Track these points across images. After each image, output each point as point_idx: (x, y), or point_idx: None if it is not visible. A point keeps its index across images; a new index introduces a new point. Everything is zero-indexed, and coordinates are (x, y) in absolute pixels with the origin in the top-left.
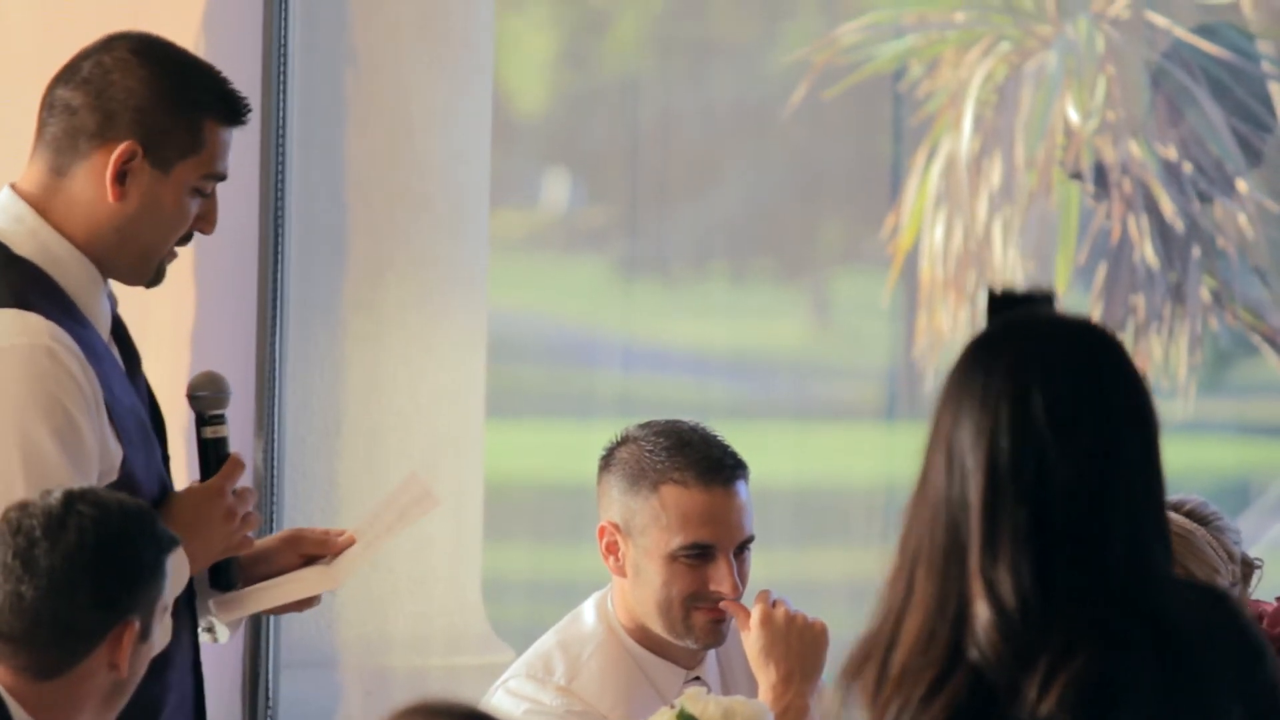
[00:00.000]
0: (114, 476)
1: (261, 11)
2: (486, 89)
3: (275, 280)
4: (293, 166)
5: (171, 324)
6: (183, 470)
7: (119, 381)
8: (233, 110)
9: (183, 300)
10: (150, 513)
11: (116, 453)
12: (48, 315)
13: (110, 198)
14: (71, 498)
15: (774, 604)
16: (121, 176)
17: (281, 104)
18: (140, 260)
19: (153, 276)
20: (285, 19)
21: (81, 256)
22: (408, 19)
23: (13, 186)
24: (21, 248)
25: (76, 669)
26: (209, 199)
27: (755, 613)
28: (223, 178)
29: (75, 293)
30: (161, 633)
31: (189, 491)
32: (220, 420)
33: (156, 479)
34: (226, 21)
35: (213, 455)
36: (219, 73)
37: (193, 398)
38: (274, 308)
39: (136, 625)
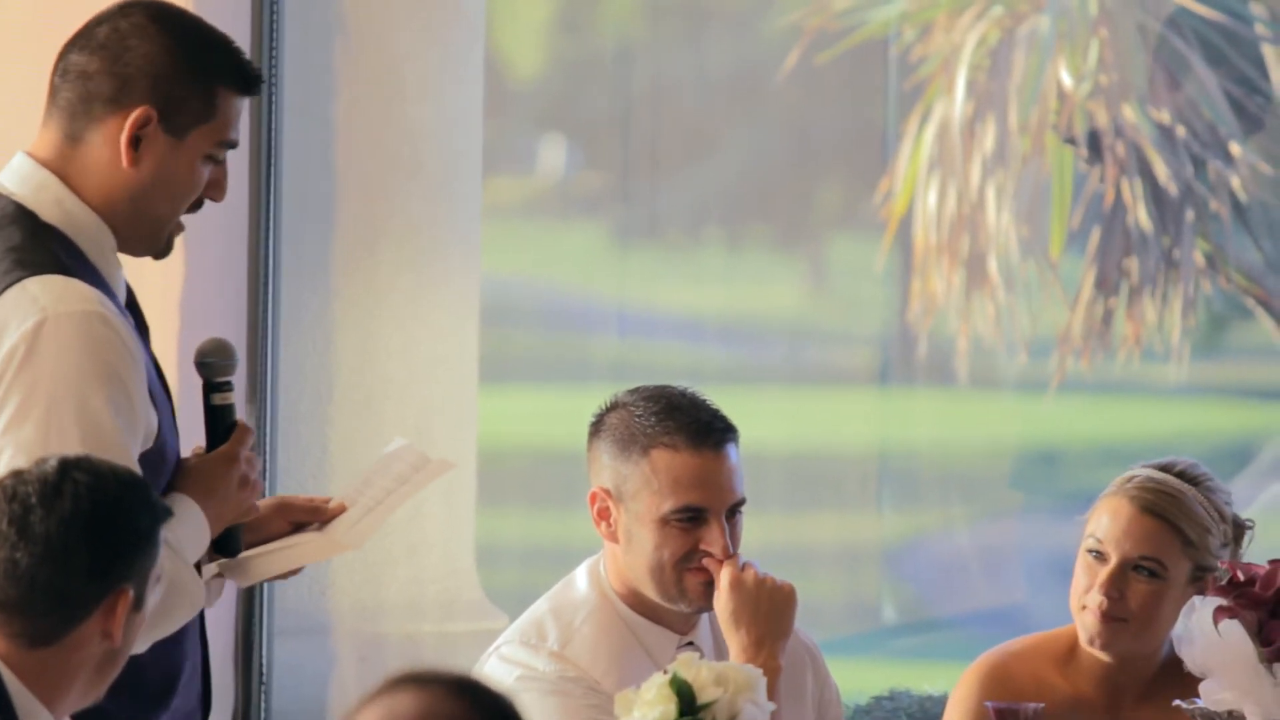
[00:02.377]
0: (150, 444)
1: None
2: (479, 55)
3: (266, 247)
4: (284, 133)
5: (161, 291)
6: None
7: (142, 349)
8: (246, 79)
9: (172, 267)
10: (144, 482)
11: (153, 420)
12: (89, 282)
13: (125, 163)
14: (67, 465)
15: (743, 568)
16: (136, 142)
17: (272, 70)
18: (153, 229)
19: (162, 247)
20: None
21: (101, 223)
22: None
23: (29, 154)
24: (47, 215)
25: (70, 637)
26: (220, 166)
27: (724, 576)
28: (234, 145)
29: (98, 260)
30: (192, 598)
31: (205, 459)
32: (228, 387)
33: (176, 446)
34: None
35: (220, 422)
36: (233, 42)
37: (201, 364)
38: (265, 274)
39: (130, 594)
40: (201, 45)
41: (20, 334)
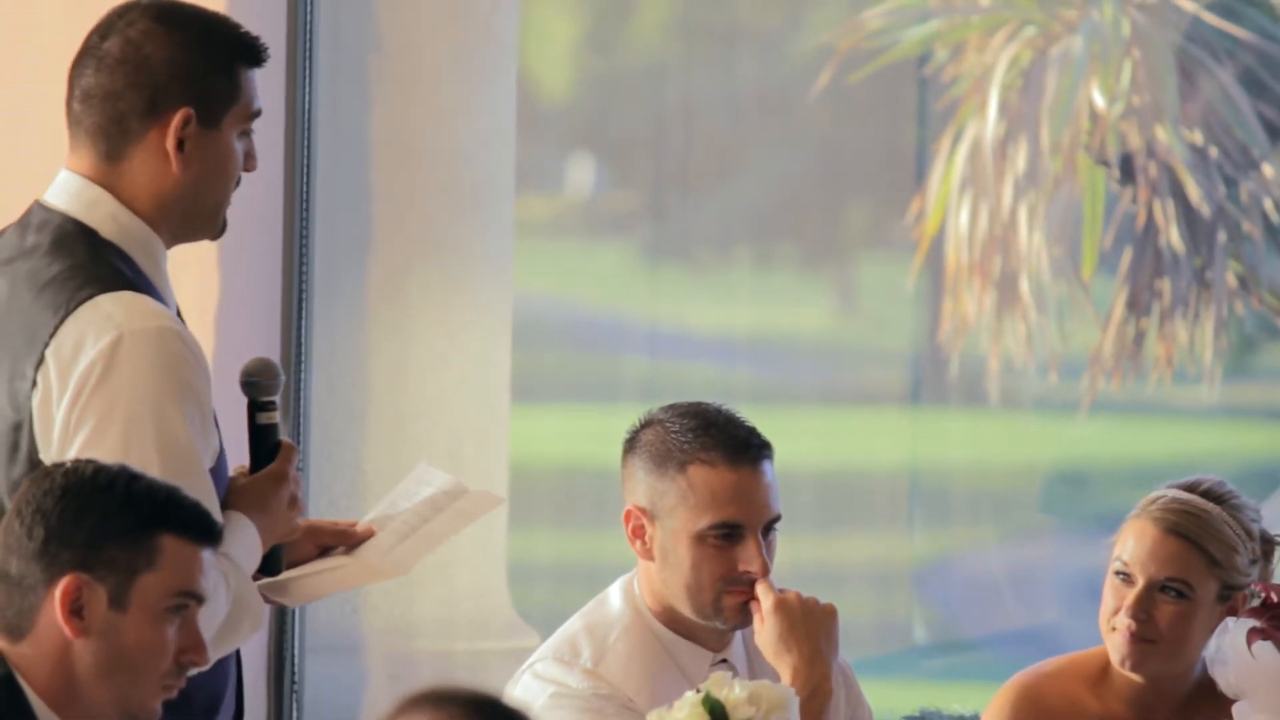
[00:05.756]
0: (213, 462)
1: None
2: (511, 75)
3: (300, 266)
4: (317, 152)
5: (195, 310)
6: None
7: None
8: (255, 51)
9: (207, 286)
10: (149, 487)
11: (216, 437)
12: (152, 297)
13: (174, 168)
14: (70, 462)
15: (781, 591)
16: (180, 144)
17: (306, 90)
18: (210, 217)
19: (219, 229)
20: (311, 4)
21: (151, 232)
22: (432, 5)
23: (74, 171)
24: (106, 231)
25: (36, 627)
26: (249, 139)
27: (766, 601)
28: (259, 114)
29: (151, 273)
30: (254, 615)
31: (258, 478)
32: (273, 406)
33: (227, 464)
34: (251, 7)
35: (265, 441)
36: (230, 17)
37: (247, 383)
38: (299, 293)
39: (87, 584)
40: (212, 31)
41: (97, 351)
